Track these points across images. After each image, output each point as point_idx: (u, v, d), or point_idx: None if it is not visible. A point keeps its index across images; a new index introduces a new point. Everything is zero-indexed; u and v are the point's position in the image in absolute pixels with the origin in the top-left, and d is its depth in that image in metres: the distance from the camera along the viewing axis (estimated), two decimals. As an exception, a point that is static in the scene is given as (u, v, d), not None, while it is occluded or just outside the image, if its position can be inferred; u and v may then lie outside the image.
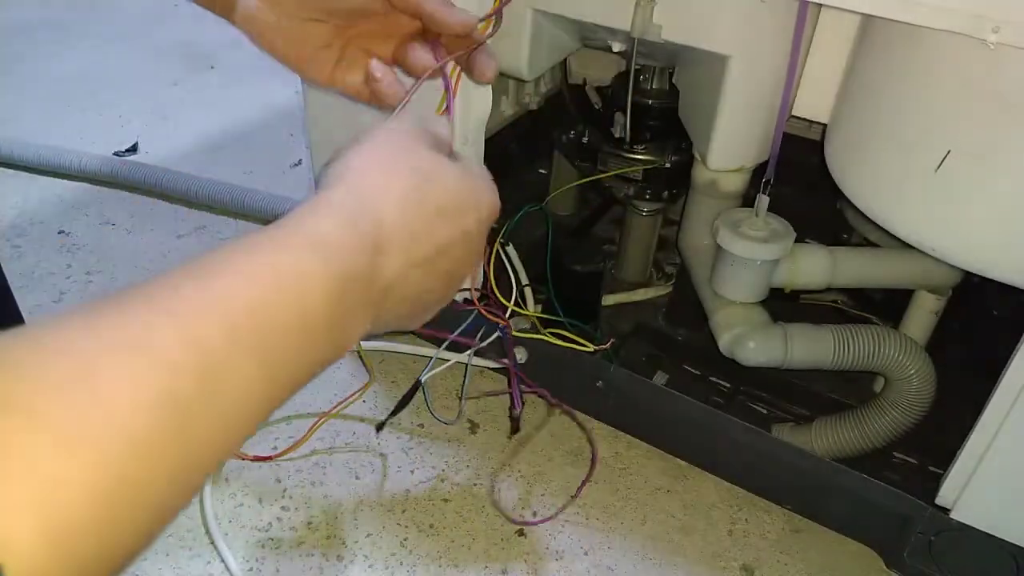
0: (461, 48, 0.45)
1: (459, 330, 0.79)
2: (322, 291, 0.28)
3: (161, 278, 0.26)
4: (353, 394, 0.87)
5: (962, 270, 0.77)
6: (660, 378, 0.92)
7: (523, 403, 0.75)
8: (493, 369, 0.91)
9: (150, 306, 0.24)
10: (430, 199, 0.34)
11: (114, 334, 0.23)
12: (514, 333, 0.79)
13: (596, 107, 0.94)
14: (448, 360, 0.81)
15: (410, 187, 0.34)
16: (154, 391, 0.22)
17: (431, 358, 0.79)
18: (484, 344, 0.79)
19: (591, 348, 0.79)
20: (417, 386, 0.78)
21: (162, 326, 0.24)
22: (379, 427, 0.84)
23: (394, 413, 0.80)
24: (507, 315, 0.79)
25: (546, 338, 0.80)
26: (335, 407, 0.87)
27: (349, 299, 0.30)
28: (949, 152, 0.57)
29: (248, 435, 0.27)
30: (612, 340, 0.89)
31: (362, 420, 0.88)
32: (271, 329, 0.26)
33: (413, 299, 0.34)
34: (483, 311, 0.78)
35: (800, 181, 1.00)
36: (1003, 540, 0.67)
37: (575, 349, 0.79)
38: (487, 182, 0.39)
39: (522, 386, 0.76)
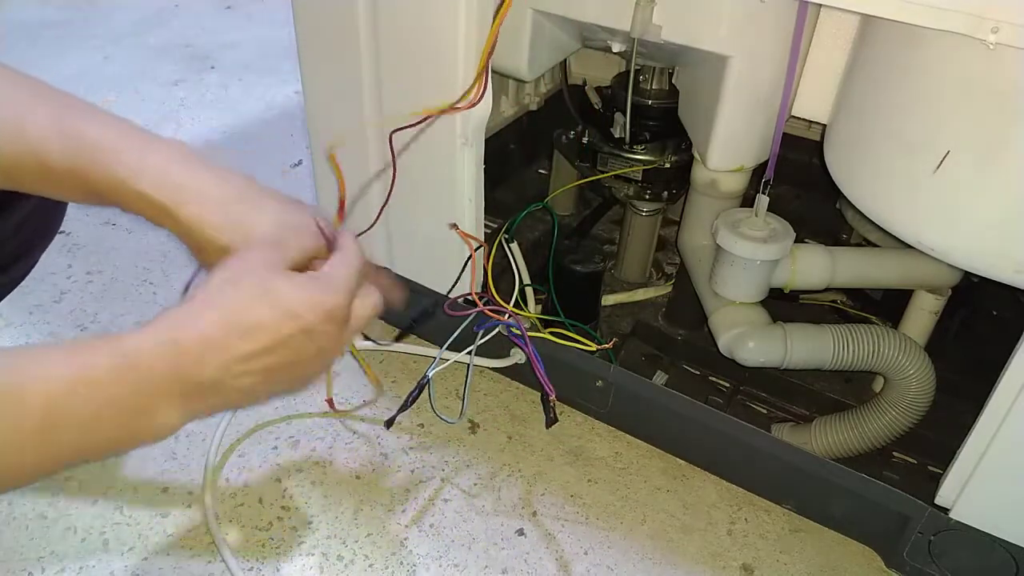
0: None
1: (461, 328, 0.79)
2: (114, 397, 0.39)
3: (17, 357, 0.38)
4: (359, 406, 0.87)
5: (962, 270, 0.77)
6: (660, 378, 0.92)
7: (553, 389, 0.75)
8: (495, 369, 0.92)
9: None
10: (256, 308, 0.42)
11: None
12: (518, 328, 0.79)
13: (596, 107, 0.94)
14: (448, 360, 0.81)
15: (243, 299, 0.42)
16: None
17: (435, 357, 0.79)
18: (484, 341, 0.79)
19: (593, 347, 0.79)
20: (425, 382, 0.78)
21: None
22: (388, 423, 0.84)
23: (403, 408, 0.80)
24: (511, 305, 0.79)
25: (548, 337, 0.80)
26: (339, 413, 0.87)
27: (145, 401, 0.40)
28: (948, 152, 0.57)
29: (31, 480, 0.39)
30: (614, 340, 0.89)
31: (363, 420, 0.88)
32: (63, 419, 0.38)
33: (248, 388, 0.43)
34: (486, 311, 0.78)
35: (800, 181, 1.00)
36: (1003, 540, 0.67)
37: (576, 348, 0.79)
38: (332, 286, 0.45)
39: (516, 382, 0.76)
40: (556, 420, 0.77)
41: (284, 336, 0.43)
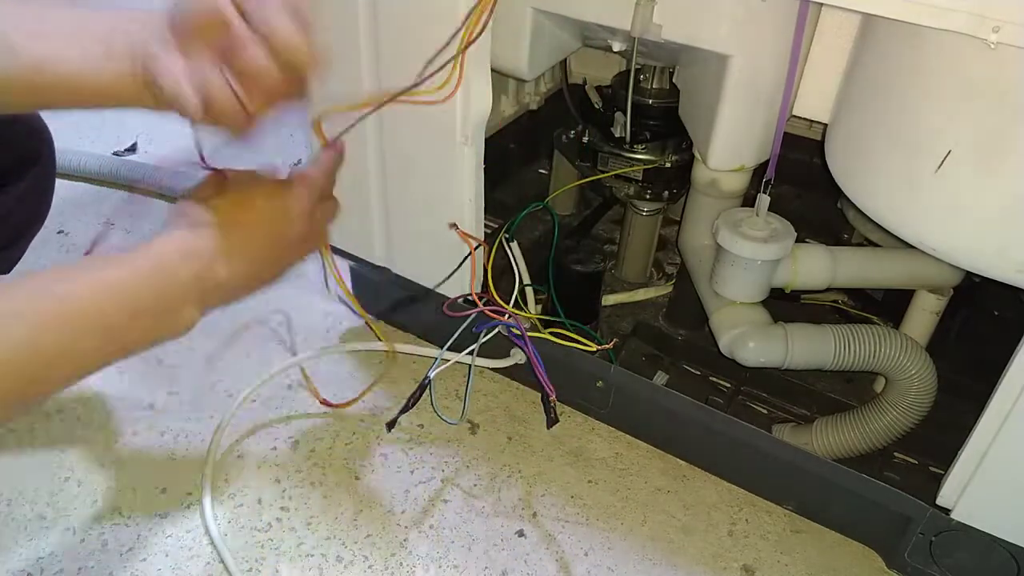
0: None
1: (462, 328, 0.79)
2: (151, 299, 0.46)
3: (52, 273, 0.44)
4: (353, 400, 0.87)
5: (963, 270, 0.77)
6: (660, 378, 0.92)
7: (554, 389, 0.75)
8: (495, 369, 0.91)
9: (38, 292, 0.42)
10: (247, 216, 0.51)
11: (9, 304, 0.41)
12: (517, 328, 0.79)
13: (596, 107, 0.93)
14: (450, 360, 0.81)
15: (236, 211, 0.50)
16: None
17: (436, 358, 0.79)
18: (486, 340, 0.79)
19: (593, 348, 0.78)
20: (427, 383, 0.78)
21: (40, 307, 0.41)
22: (390, 425, 0.84)
23: (405, 410, 0.80)
24: (511, 306, 0.79)
25: (548, 337, 0.80)
26: (341, 404, 0.87)
27: (174, 303, 0.47)
28: (950, 152, 0.57)
29: (87, 374, 0.45)
30: (614, 340, 0.88)
31: (362, 420, 0.87)
32: (111, 320, 0.44)
33: (245, 285, 0.51)
34: (487, 311, 0.78)
35: (801, 181, 1.00)
36: (1004, 540, 0.67)
37: (576, 348, 0.79)
38: (298, 189, 0.53)
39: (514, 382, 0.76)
40: (557, 420, 0.77)
41: (273, 232, 0.51)
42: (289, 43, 0.45)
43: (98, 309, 0.43)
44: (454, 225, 0.79)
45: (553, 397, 0.75)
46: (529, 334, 0.77)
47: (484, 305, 0.78)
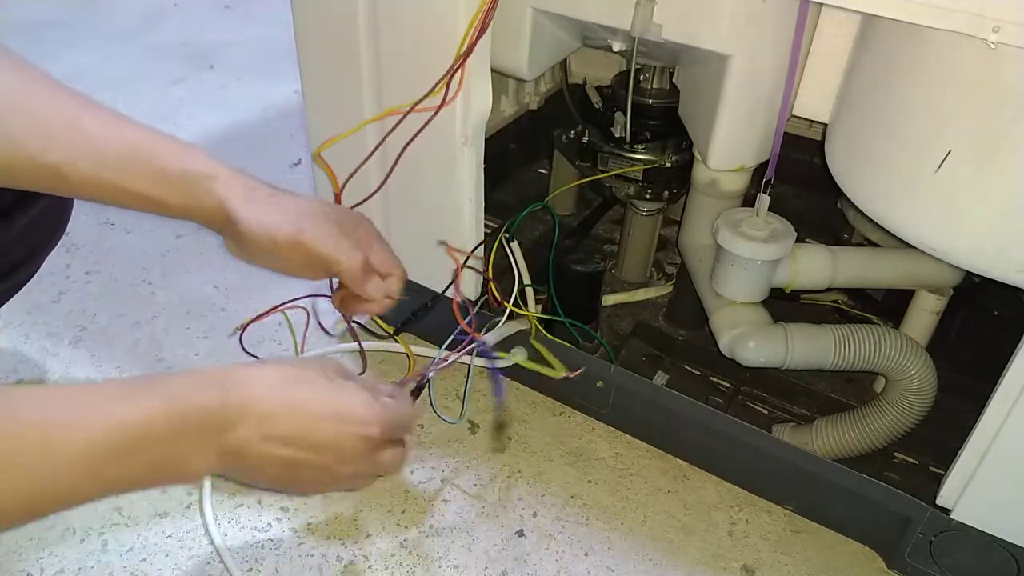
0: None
1: (459, 329, 0.79)
2: (159, 444, 0.42)
3: (53, 395, 0.41)
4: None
5: (963, 270, 0.77)
6: (660, 378, 0.92)
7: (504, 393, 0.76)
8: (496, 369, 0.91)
9: (29, 422, 0.39)
10: (308, 403, 0.47)
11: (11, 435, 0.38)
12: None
13: (596, 106, 0.93)
14: (449, 360, 0.80)
15: (292, 386, 0.48)
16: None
17: (434, 358, 0.79)
18: (485, 342, 0.79)
19: (560, 374, 0.79)
20: (425, 382, 0.78)
21: (34, 439, 0.39)
22: None
23: None
24: (507, 310, 0.79)
25: (519, 363, 0.82)
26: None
27: (184, 449, 0.43)
28: (950, 152, 0.57)
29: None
30: (580, 368, 0.85)
31: (362, 420, 0.87)
32: (112, 458, 0.41)
33: (272, 472, 0.47)
34: (468, 329, 0.78)
35: (801, 180, 1.00)
36: (1004, 540, 0.67)
37: (572, 349, 0.79)
38: (381, 411, 0.51)
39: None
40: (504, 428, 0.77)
41: (313, 438, 0.47)
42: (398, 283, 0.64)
43: (100, 445, 0.40)
44: (443, 243, 0.79)
45: (501, 400, 0.76)
46: (499, 356, 0.79)
47: (475, 314, 0.78)
